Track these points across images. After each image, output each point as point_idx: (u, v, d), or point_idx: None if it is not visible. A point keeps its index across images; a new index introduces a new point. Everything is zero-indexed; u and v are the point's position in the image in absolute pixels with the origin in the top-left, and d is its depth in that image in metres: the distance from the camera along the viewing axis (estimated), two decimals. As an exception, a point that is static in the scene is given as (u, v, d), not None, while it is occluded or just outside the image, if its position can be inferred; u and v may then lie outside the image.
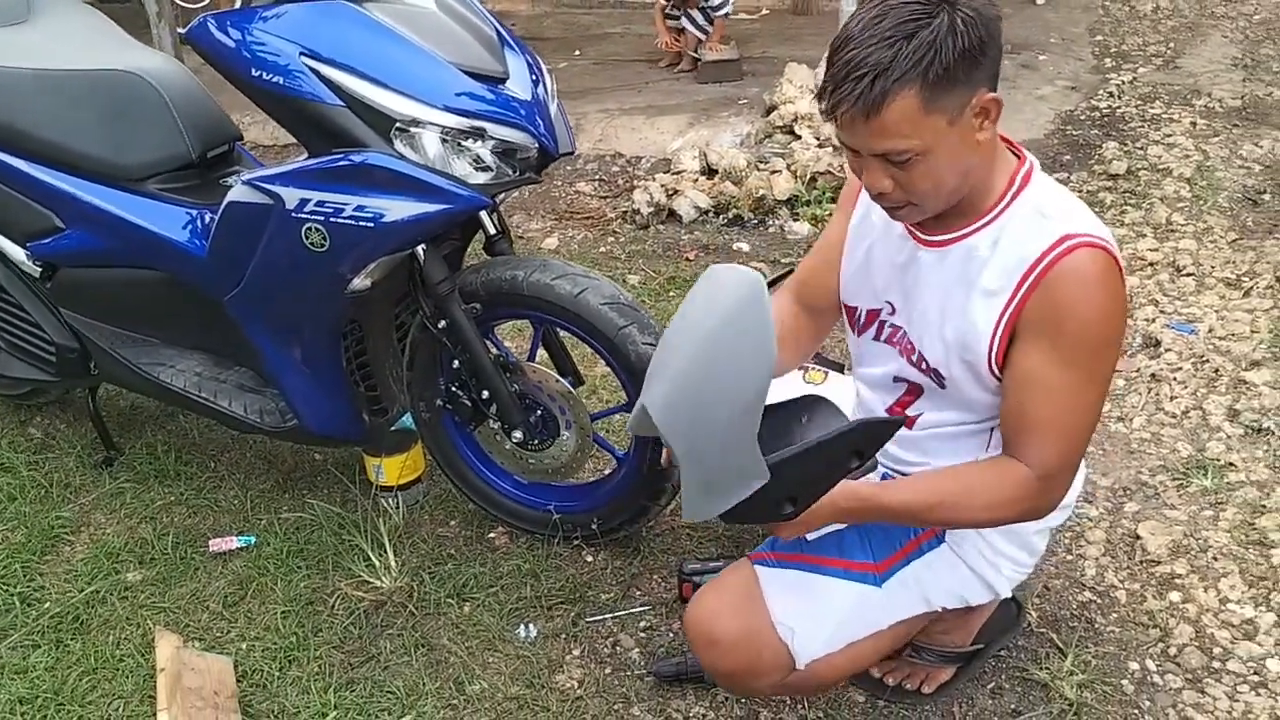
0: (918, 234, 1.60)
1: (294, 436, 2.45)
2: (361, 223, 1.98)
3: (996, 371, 1.56)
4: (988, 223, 1.53)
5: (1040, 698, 2.02)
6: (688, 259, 4.02)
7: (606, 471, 2.58)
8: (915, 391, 1.73)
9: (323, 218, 1.99)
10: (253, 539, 2.56)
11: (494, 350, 2.29)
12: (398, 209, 1.97)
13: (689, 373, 1.44)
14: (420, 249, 2.14)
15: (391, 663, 2.19)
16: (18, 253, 2.50)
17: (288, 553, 2.50)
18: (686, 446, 1.48)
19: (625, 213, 4.43)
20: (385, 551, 2.39)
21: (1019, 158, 1.56)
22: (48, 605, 2.38)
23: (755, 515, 1.54)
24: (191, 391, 2.47)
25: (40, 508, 2.72)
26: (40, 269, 2.49)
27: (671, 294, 3.70)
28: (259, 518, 2.64)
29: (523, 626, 2.25)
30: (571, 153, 2.25)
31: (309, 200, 1.99)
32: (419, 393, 2.38)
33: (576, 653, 2.19)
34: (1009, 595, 1.89)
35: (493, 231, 2.35)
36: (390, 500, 2.62)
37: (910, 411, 1.75)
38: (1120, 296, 1.47)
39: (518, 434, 2.27)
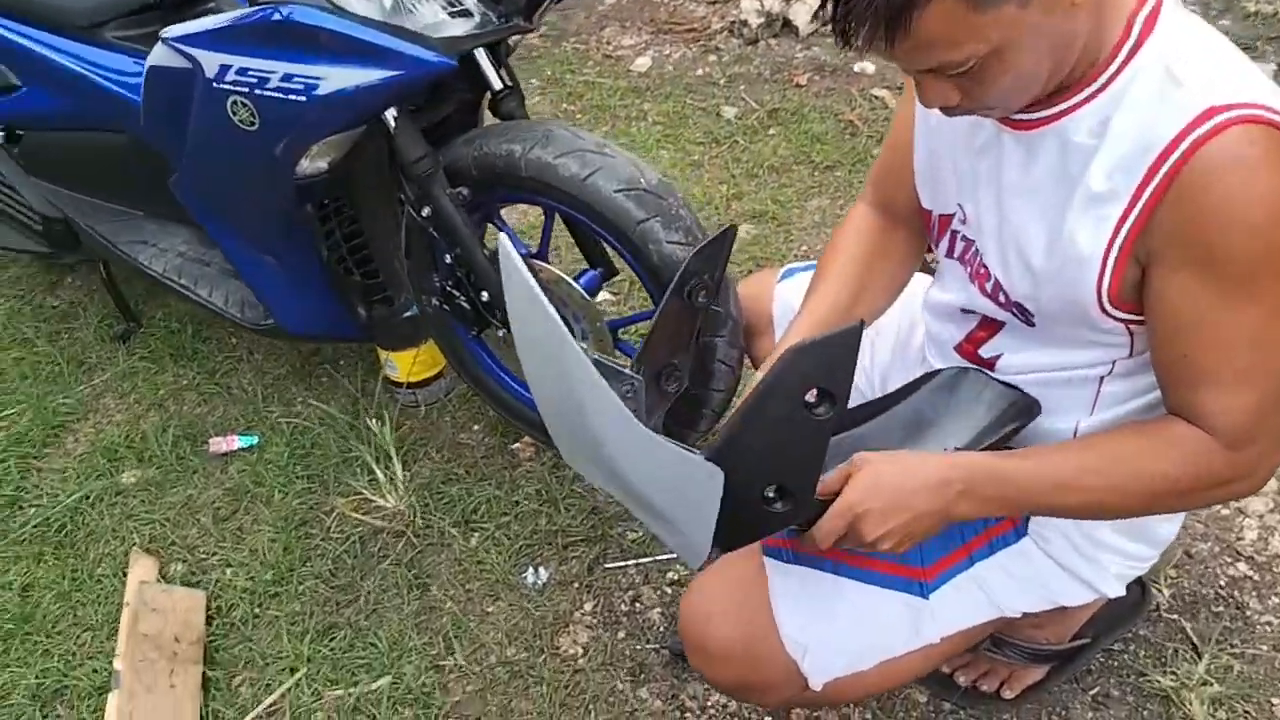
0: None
1: (275, 335, 2.12)
2: (292, 95, 1.55)
3: (1111, 309, 1.07)
4: (1093, 94, 1.01)
5: (1159, 713, 1.57)
6: (798, 84, 3.42)
7: None
8: (991, 326, 1.25)
9: (246, 89, 1.57)
10: (255, 439, 2.28)
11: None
12: (335, 78, 1.52)
13: (542, 403, 1.22)
14: (391, 119, 1.69)
15: (380, 605, 1.90)
16: (-24, 114, 2.18)
17: (289, 458, 2.21)
18: (618, 492, 1.17)
19: (732, 24, 3.81)
20: (392, 463, 2.08)
21: None
22: (34, 510, 2.18)
23: (753, 527, 1.11)
24: (171, 276, 2.15)
25: (50, 388, 2.51)
26: (3, 132, 2.16)
27: (770, 132, 3.14)
28: (269, 411, 2.35)
29: (532, 570, 1.92)
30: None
31: (230, 67, 1.56)
32: (419, 285, 1.99)
33: (588, 608, 1.85)
34: (1122, 593, 1.40)
35: (498, 87, 1.87)
36: (407, 398, 2.29)
37: (985, 352, 1.27)
38: None
39: (523, 346, 1.86)
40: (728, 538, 1.09)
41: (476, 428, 2.25)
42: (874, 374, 1.56)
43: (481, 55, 1.84)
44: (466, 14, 1.63)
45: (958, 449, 1.20)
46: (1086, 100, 1.02)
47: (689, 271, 1.21)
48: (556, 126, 1.76)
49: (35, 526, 2.14)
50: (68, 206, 2.22)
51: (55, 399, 2.47)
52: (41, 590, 2.01)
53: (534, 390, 1.23)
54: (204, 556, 2.05)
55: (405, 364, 2.20)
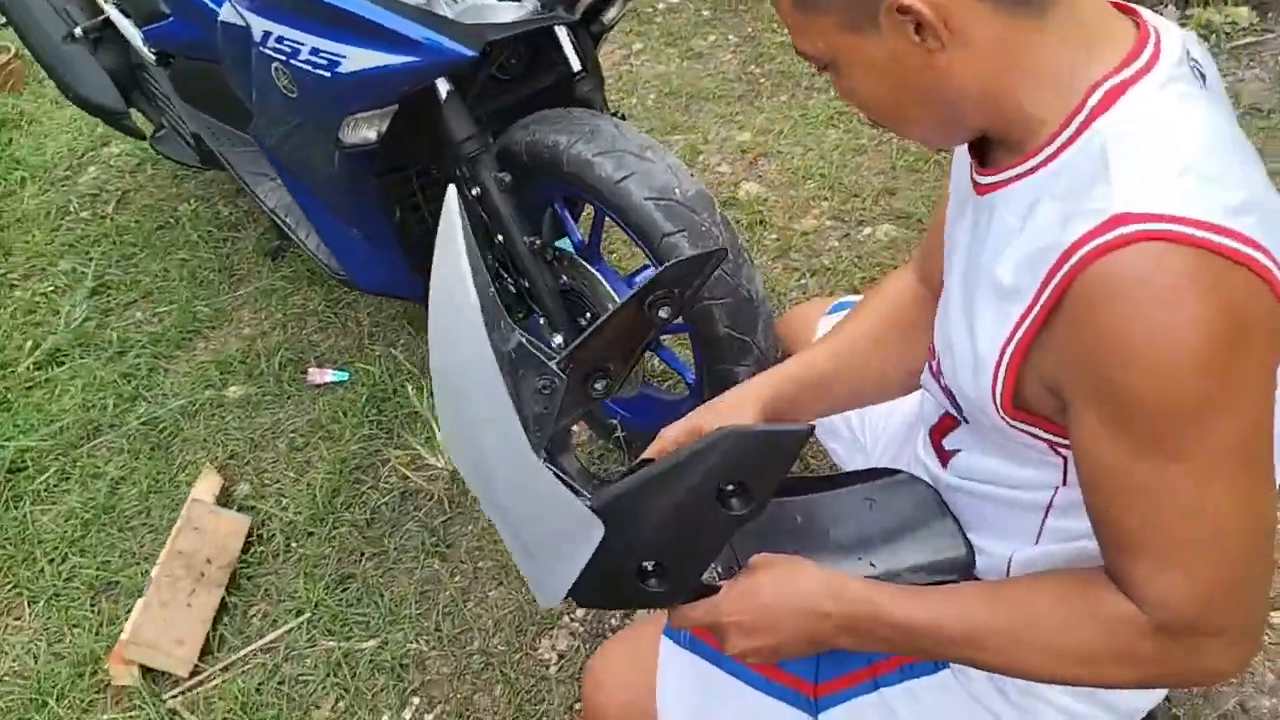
0: (975, 167, 0.93)
1: (350, 286, 2.17)
2: (318, 69, 1.55)
3: (1006, 417, 0.90)
4: (1030, 170, 0.84)
5: None
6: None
7: (684, 393, 2.05)
8: (954, 417, 1.08)
9: (284, 58, 1.58)
10: (345, 376, 2.37)
11: (556, 227, 1.81)
12: (355, 58, 1.51)
13: (435, 374, 1.06)
14: (443, 91, 1.66)
15: (396, 566, 1.95)
16: (137, 37, 2.34)
17: (366, 402, 2.29)
18: (479, 491, 1.06)
19: None
20: (450, 425, 2.10)
21: (1138, 29, 0.82)
22: (145, 408, 2.38)
23: (615, 594, 1.01)
24: (279, 212, 2.25)
25: (199, 293, 2.71)
26: (155, 55, 2.31)
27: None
28: (370, 350, 2.44)
29: (541, 561, 1.89)
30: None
31: (270, 34, 1.58)
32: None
33: (580, 614, 1.81)
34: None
35: (575, 69, 1.80)
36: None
37: (947, 444, 1.10)
38: (1226, 326, 0.73)
39: (558, 338, 1.81)
40: (587, 595, 0.99)
41: (545, 402, 2.23)
42: (881, 438, 1.41)
43: (563, 36, 1.78)
44: (518, 1, 1.56)
45: (870, 576, 1.06)
46: (1021, 176, 0.84)
47: (658, 283, 1.11)
48: (605, 122, 1.67)
49: (143, 424, 2.34)
50: (203, 129, 2.35)
51: (200, 304, 2.67)
52: (129, 486, 2.20)
53: (430, 356, 1.13)
54: (267, 483, 2.17)
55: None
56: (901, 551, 1.09)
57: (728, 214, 2.61)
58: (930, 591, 0.98)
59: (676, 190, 1.59)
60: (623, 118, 1.80)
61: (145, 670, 1.81)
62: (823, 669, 1.16)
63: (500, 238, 1.76)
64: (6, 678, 1.87)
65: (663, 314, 1.12)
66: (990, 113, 0.84)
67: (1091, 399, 0.79)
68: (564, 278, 1.80)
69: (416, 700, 1.73)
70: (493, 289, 1.01)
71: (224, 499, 2.11)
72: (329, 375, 2.38)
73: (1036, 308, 0.80)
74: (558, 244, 1.88)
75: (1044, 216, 0.81)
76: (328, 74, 1.54)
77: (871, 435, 1.42)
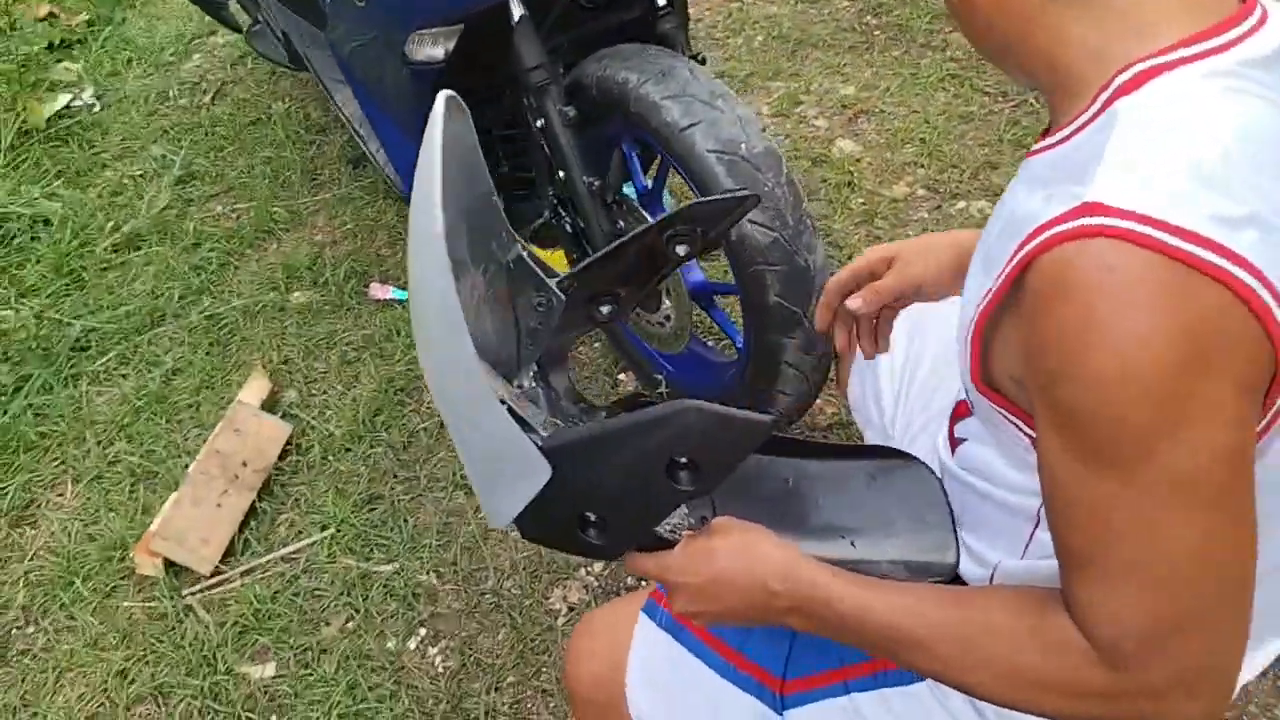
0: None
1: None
2: (382, -19, 1.48)
3: (981, 394, 0.84)
4: (1056, 142, 0.76)
5: None
6: None
7: (733, 356, 1.96)
8: (966, 400, 1.01)
9: (353, -34, 1.52)
10: (406, 295, 2.35)
11: (624, 170, 1.74)
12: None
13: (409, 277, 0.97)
14: (516, 14, 1.59)
15: (425, 494, 1.93)
16: (234, -71, 2.31)
17: (422, 323, 2.26)
18: (440, 407, 1.00)
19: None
20: (500, 358, 2.07)
21: (1241, 8, 0.72)
22: (210, 303, 2.40)
23: (556, 536, 0.96)
24: (354, 122, 2.21)
25: (279, 194, 2.72)
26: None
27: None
28: (434, 270, 2.41)
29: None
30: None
31: (342, -61, 1.52)
32: (541, 193, 1.91)
33: (598, 569, 1.77)
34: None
35: (660, 2, 1.71)
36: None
37: (958, 431, 1.05)
38: (1183, 346, 0.64)
39: (606, 285, 1.74)
40: (531, 529, 0.95)
41: (598, 345, 2.18)
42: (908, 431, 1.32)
43: (645, -34, 1.69)
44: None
45: (848, 558, 1.01)
46: (1046, 149, 0.77)
47: (680, 217, 1.05)
48: (680, 64, 1.58)
49: (206, 318, 2.36)
50: (291, 29, 2.32)
51: (278, 205, 2.67)
52: (183, 378, 2.23)
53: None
54: (314, 393, 2.17)
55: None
56: (888, 541, 1.04)
57: (817, 172, 2.51)
58: (887, 586, 0.90)
59: (743, 145, 1.50)
60: (702, 61, 1.71)
61: (169, 564, 1.83)
62: (792, 665, 1.10)
63: (560, 174, 1.70)
64: (41, 553, 1.92)
65: (680, 251, 1.07)
66: (1032, 74, 0.77)
67: (1041, 399, 0.72)
68: (620, 223, 1.73)
69: (423, 631, 1.72)
70: (496, 198, 0.97)
71: (270, 404, 2.12)
72: (390, 292, 2.37)
73: (999, 280, 0.74)
74: (625, 190, 1.81)
75: (1027, 190, 0.75)
76: (390, -14, 1.48)
77: (901, 427, 1.33)
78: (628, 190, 1.81)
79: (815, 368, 1.61)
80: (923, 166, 2.49)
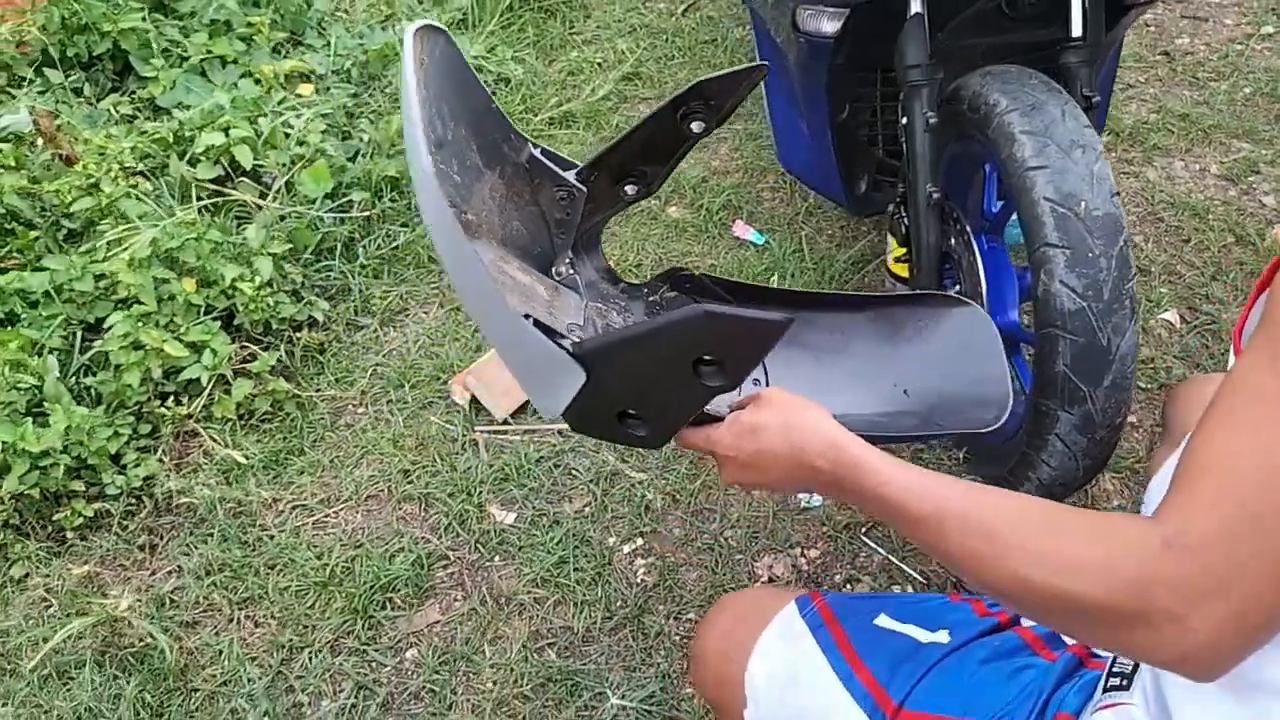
0: None
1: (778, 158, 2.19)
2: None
3: None
4: None
5: None
6: None
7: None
8: None
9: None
10: (762, 240, 2.45)
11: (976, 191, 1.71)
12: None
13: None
14: (913, 8, 1.60)
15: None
16: None
17: (765, 269, 2.36)
18: (480, 328, 1.14)
19: None
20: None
21: None
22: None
23: (602, 428, 1.03)
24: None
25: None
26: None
27: None
28: (800, 228, 2.48)
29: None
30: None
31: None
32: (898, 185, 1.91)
33: (813, 553, 1.81)
34: None
35: (1074, 34, 1.64)
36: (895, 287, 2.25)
37: None
38: None
39: (900, 287, 1.74)
40: (578, 423, 1.03)
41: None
42: None
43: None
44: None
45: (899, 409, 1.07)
46: None
47: (694, 92, 1.08)
48: (1056, 101, 1.51)
49: (591, 206, 2.60)
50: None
51: (694, 123, 2.85)
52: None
53: None
54: (648, 300, 2.35)
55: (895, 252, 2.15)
56: (941, 388, 1.08)
57: (1235, 251, 2.26)
58: (929, 475, 0.89)
59: (1083, 204, 1.42)
60: (1090, 104, 1.61)
61: (474, 401, 2.11)
62: (914, 697, 1.10)
63: (906, 178, 1.70)
64: (392, 353, 2.28)
65: (694, 127, 1.10)
66: None
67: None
68: (951, 240, 1.71)
69: (640, 541, 1.86)
70: (495, 104, 1.05)
71: (608, 297, 2.32)
72: (750, 233, 2.48)
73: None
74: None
75: None
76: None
77: None
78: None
79: (1088, 451, 1.52)
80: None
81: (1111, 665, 0.98)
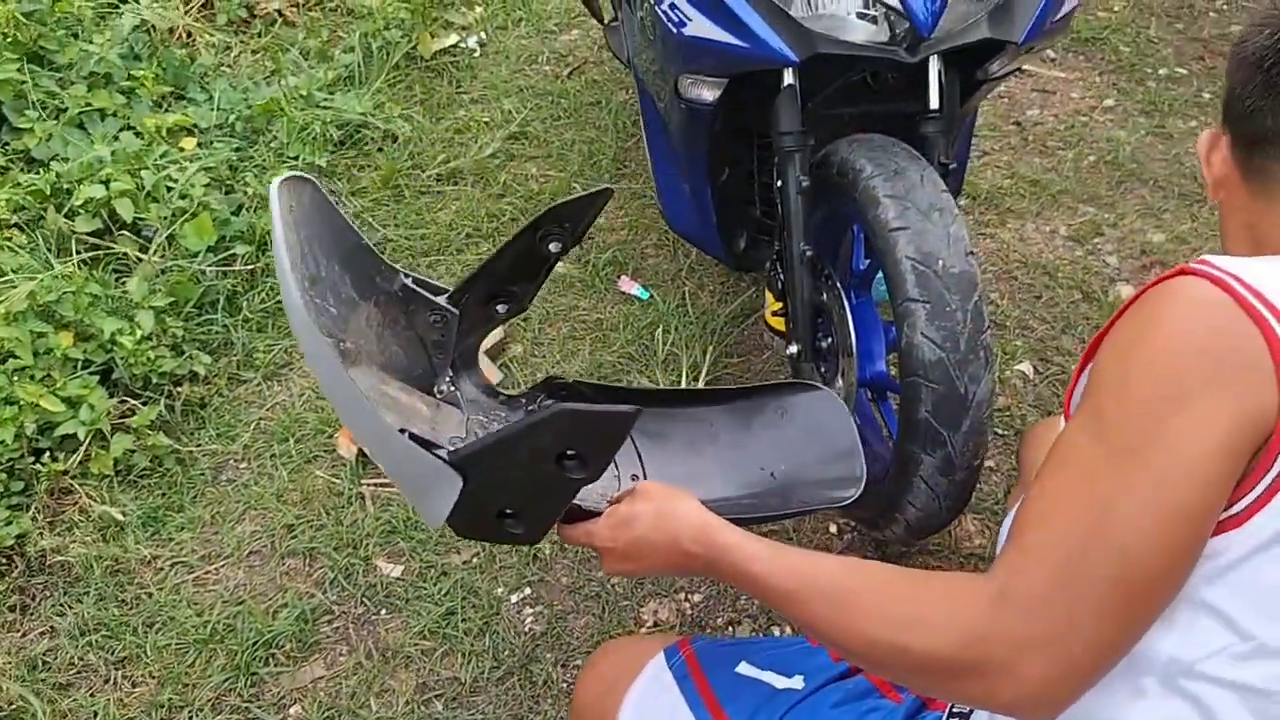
0: None
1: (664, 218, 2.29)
2: (669, 22, 1.64)
3: None
4: None
5: None
6: None
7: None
8: None
9: (652, 0, 1.69)
10: (647, 295, 2.53)
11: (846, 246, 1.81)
12: (698, 25, 1.58)
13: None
14: (786, 79, 1.70)
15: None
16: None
17: (646, 325, 2.43)
18: (352, 429, 1.15)
19: None
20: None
21: None
22: (485, 249, 2.69)
23: (485, 530, 1.09)
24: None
25: (585, 173, 2.98)
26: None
27: None
28: (683, 284, 2.57)
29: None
30: (1012, 42, 1.55)
31: (653, -27, 1.69)
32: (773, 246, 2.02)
33: (696, 598, 1.87)
34: None
35: (930, 106, 1.76)
36: (773, 340, 2.35)
37: None
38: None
39: (792, 348, 1.83)
40: (462, 528, 1.08)
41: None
42: None
43: (932, 71, 1.74)
44: (873, 20, 1.55)
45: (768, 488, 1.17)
46: None
47: (549, 216, 1.20)
48: (916, 168, 1.63)
49: (478, 260, 2.65)
50: (626, 34, 2.54)
51: (579, 182, 2.94)
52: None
53: None
54: (536, 354, 2.40)
55: (772, 306, 2.25)
56: (802, 468, 1.19)
57: (1082, 308, 2.44)
58: (793, 550, 0.97)
59: (940, 262, 1.53)
60: (948, 170, 1.74)
61: (361, 454, 2.12)
62: None
63: (783, 236, 1.80)
64: (275, 407, 2.27)
65: (552, 247, 1.22)
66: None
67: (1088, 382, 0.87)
68: (824, 295, 1.80)
69: (527, 591, 1.89)
70: (365, 241, 1.13)
71: (497, 350, 2.36)
72: (635, 289, 2.56)
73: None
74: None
75: None
76: (674, 30, 1.63)
77: None
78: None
79: (949, 492, 1.61)
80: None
81: (952, 706, 1.06)
